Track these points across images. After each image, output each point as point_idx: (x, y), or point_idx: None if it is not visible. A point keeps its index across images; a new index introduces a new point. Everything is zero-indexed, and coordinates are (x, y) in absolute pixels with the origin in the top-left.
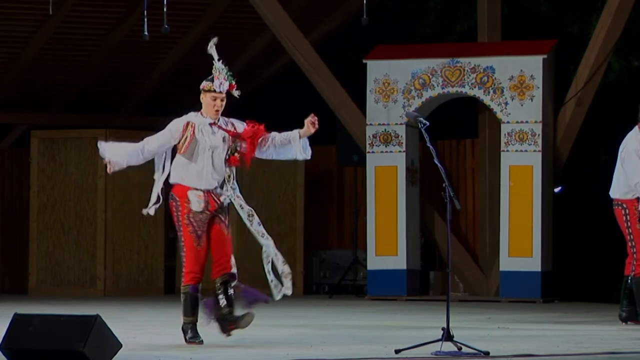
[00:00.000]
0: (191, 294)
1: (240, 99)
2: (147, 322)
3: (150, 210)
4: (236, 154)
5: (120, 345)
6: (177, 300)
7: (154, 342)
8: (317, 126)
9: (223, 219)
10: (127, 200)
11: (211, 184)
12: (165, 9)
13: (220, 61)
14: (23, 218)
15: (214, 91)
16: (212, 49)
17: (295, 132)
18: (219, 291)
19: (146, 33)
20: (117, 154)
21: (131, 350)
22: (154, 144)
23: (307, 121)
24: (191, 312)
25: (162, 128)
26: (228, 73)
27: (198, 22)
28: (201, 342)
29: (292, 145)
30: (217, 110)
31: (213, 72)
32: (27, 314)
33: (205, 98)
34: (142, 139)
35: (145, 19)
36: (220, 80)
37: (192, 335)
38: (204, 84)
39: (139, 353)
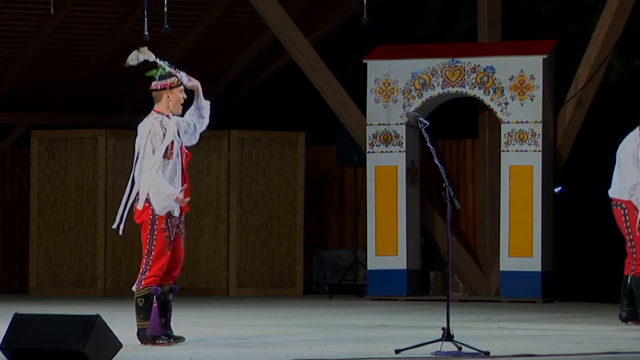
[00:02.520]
0: (156, 295)
1: (240, 99)
2: None
3: (120, 226)
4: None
5: (121, 345)
6: (177, 300)
7: None
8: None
9: (182, 228)
10: None
11: (179, 186)
12: (165, 9)
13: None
14: (23, 218)
15: (182, 84)
16: (146, 52)
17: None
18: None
19: (146, 33)
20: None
21: (131, 350)
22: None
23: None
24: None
25: None
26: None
27: (198, 22)
28: (180, 338)
29: (201, 107)
30: (182, 104)
31: (165, 71)
32: (27, 313)
33: (174, 94)
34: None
35: (145, 19)
36: (180, 74)
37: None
38: (171, 81)
39: (139, 353)
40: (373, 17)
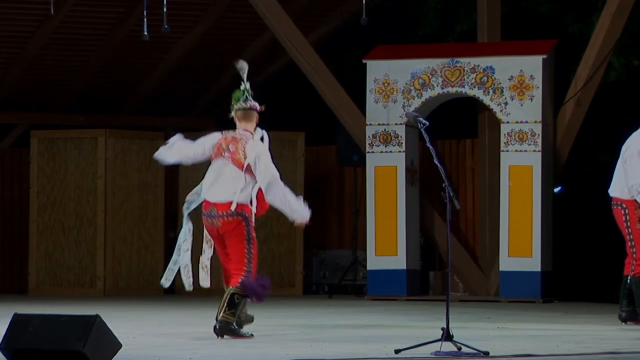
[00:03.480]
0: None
1: None
2: (147, 322)
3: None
4: None
5: (120, 345)
6: (177, 300)
7: (154, 342)
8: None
9: None
10: (126, 200)
11: None
12: (165, 9)
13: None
14: (23, 218)
15: None
16: (245, 69)
17: None
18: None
19: (146, 33)
20: None
21: (131, 350)
22: None
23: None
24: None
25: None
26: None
27: (198, 22)
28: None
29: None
30: None
31: (250, 94)
32: (27, 313)
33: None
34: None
35: (145, 19)
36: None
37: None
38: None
39: (139, 353)
40: (373, 17)
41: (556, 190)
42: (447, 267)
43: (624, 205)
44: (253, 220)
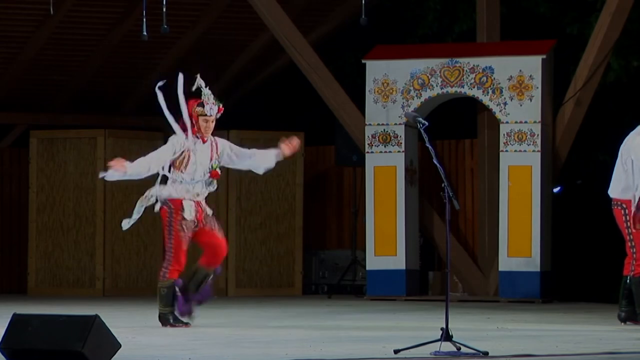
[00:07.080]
0: (174, 287)
1: (240, 100)
2: (146, 322)
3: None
4: (217, 169)
5: (120, 346)
6: None
7: (153, 342)
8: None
9: (209, 223)
10: (126, 200)
11: (200, 196)
12: (164, 9)
13: (207, 87)
14: (22, 218)
15: (206, 115)
16: (199, 80)
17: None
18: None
19: (145, 33)
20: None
21: (130, 350)
22: (158, 163)
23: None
24: (172, 303)
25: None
26: (215, 99)
27: (197, 22)
28: (188, 323)
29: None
30: (207, 131)
31: (202, 97)
32: (26, 314)
33: (199, 121)
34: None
35: (144, 19)
36: (210, 105)
37: (175, 319)
38: (198, 109)
39: (139, 353)
40: (372, 17)
41: (555, 190)
42: (447, 267)
43: (624, 206)
44: (183, 212)
